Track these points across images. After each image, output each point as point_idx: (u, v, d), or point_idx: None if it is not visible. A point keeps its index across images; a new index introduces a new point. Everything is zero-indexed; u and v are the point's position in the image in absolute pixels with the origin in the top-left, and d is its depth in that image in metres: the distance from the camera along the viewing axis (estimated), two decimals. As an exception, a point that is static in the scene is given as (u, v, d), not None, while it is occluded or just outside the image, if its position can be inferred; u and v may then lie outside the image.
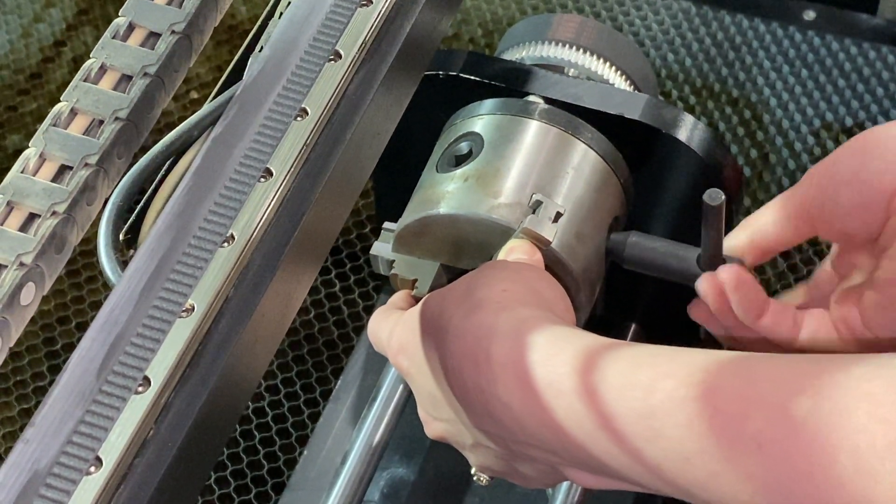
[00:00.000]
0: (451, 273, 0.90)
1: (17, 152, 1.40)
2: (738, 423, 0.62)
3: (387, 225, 0.92)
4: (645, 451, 0.66)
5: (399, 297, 0.89)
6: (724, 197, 0.76)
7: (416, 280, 0.90)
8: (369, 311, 1.31)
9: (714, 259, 0.81)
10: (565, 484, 1.01)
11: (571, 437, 0.69)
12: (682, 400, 0.64)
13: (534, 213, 0.87)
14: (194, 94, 1.48)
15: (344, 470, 0.96)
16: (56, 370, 1.29)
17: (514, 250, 0.86)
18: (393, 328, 0.82)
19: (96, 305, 1.32)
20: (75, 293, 1.34)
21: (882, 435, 0.58)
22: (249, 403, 1.25)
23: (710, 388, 0.64)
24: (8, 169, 0.71)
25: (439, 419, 0.80)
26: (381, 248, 0.92)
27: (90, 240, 1.26)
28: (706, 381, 0.64)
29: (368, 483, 0.97)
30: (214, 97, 0.79)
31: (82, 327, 1.31)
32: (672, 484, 0.66)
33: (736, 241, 0.79)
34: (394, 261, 0.91)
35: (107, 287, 1.32)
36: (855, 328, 0.77)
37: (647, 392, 0.66)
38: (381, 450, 0.97)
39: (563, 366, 0.70)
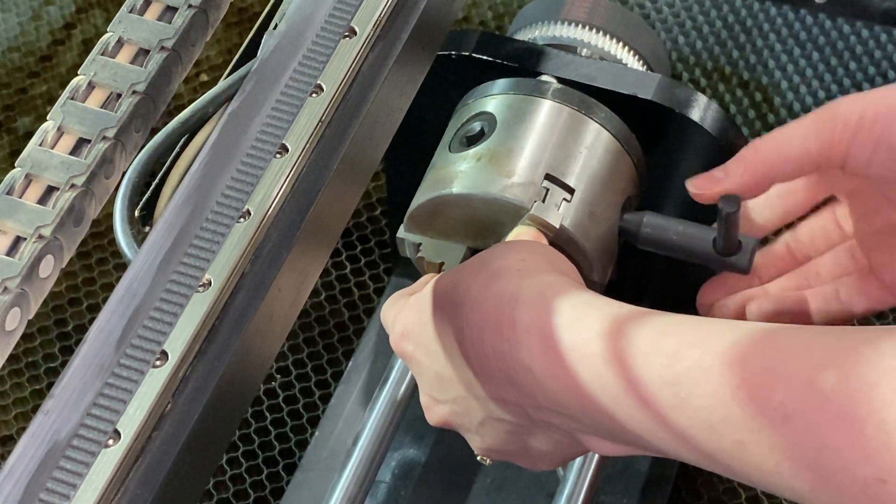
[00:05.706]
0: None
1: (28, 134, 1.40)
2: (763, 395, 0.62)
3: None
4: (670, 417, 0.66)
5: (423, 280, 0.88)
6: (740, 203, 0.75)
7: (442, 263, 0.90)
8: (380, 293, 1.31)
9: (730, 241, 0.81)
10: (577, 465, 1.01)
11: (595, 401, 0.69)
12: (708, 369, 0.65)
13: (542, 200, 0.87)
14: (204, 77, 1.47)
15: (355, 451, 0.96)
16: (67, 352, 1.29)
17: (521, 236, 0.86)
18: (397, 314, 0.82)
19: (108, 287, 1.32)
20: (86, 275, 1.34)
21: None
22: (261, 385, 1.25)
23: (736, 358, 0.64)
24: (20, 151, 0.71)
25: (444, 401, 0.80)
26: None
27: (101, 221, 1.26)
28: (732, 352, 0.65)
29: (380, 464, 0.97)
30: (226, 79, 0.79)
31: (94, 309, 1.31)
32: (696, 450, 0.66)
33: (763, 147, 0.79)
34: (420, 244, 0.91)
35: (118, 269, 1.33)
36: None
37: (673, 360, 0.66)
38: (392, 431, 0.97)
39: (588, 330, 0.70)
